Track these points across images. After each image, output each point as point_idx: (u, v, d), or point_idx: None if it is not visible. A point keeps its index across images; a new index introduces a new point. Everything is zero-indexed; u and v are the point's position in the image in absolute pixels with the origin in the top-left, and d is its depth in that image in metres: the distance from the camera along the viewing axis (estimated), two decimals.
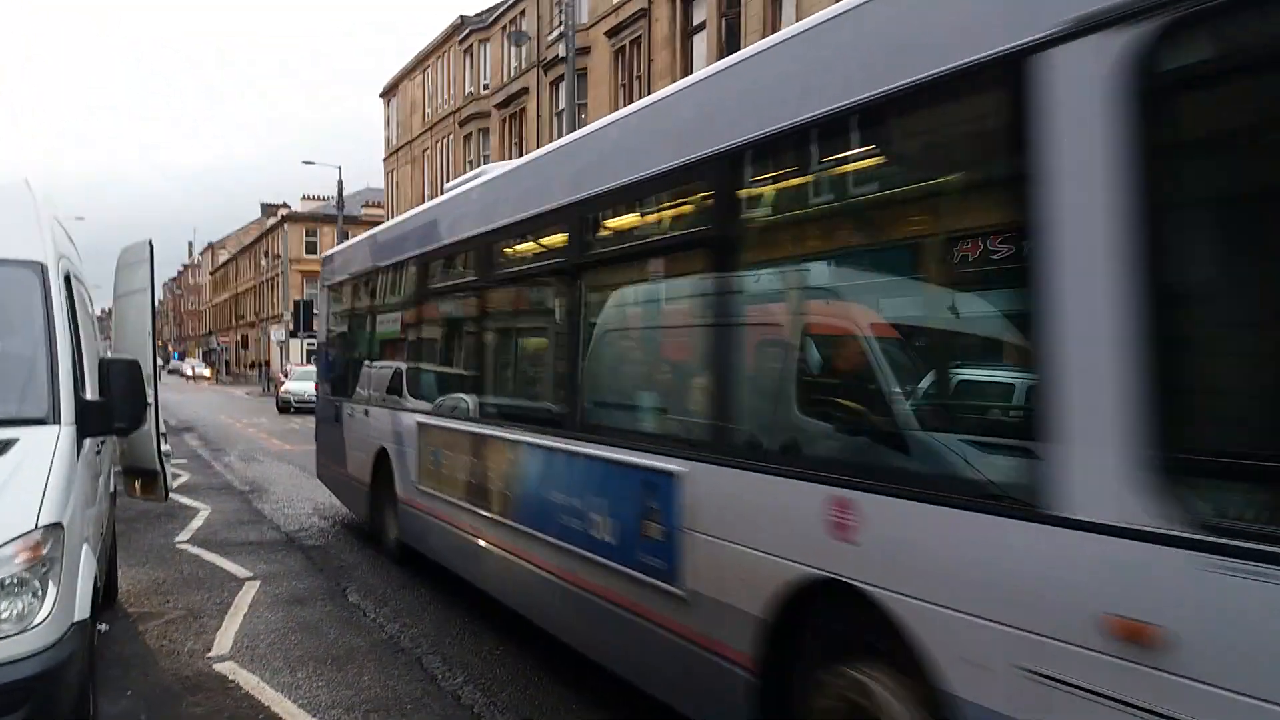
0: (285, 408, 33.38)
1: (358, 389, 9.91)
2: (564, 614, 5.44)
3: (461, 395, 7.29)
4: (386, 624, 6.81)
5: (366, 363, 9.85)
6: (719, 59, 5.67)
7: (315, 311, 14.34)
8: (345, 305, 10.89)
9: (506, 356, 7.02)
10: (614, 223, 5.47)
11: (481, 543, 6.54)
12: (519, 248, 6.60)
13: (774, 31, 15.27)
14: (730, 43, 22.10)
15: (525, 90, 34.16)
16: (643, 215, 5.13)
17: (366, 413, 9.31)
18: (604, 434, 5.13)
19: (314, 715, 5.09)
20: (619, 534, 4.75)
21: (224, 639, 6.42)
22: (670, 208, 4.85)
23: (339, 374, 10.99)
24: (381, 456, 8.71)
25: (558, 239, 5.89)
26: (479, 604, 6.90)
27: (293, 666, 5.86)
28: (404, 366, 8.63)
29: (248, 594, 7.60)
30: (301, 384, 34.27)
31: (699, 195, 4.48)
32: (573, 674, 5.59)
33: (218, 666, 5.87)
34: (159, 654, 6.12)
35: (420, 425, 7.72)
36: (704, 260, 4.36)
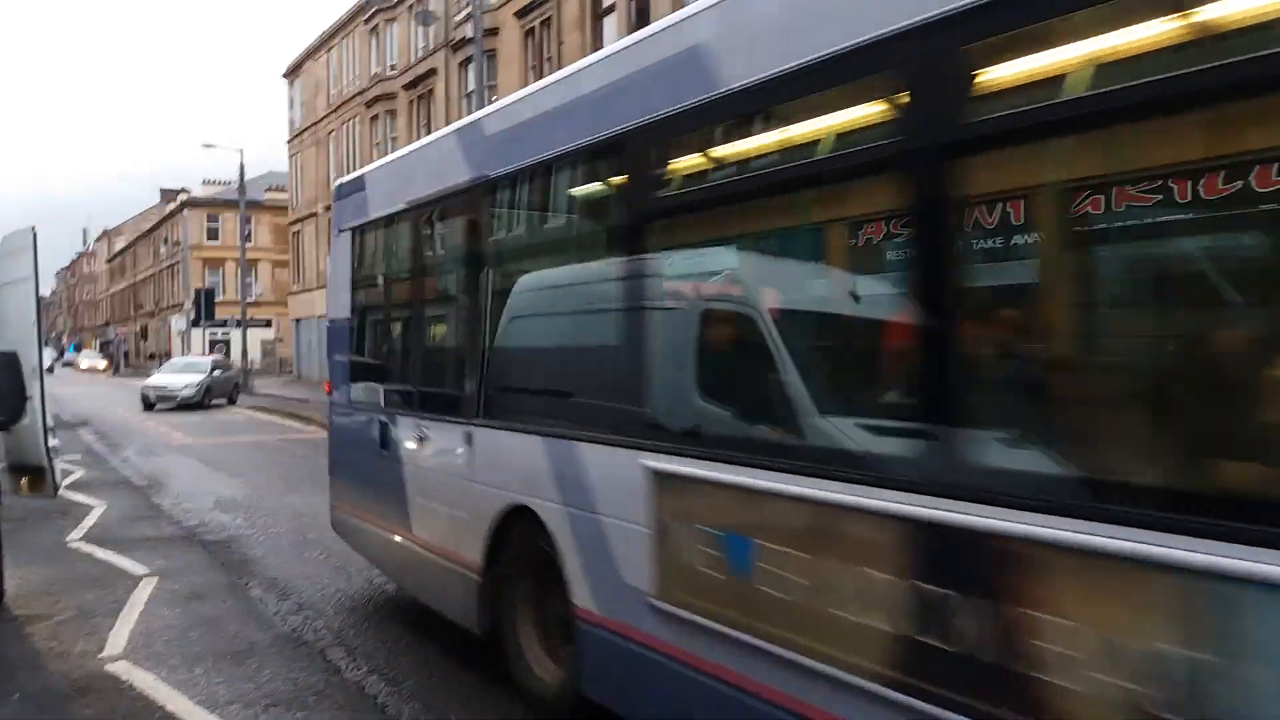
0: (148, 404, 29.09)
1: (440, 396, 5.91)
2: None
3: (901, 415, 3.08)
4: (289, 617, 6.67)
5: (465, 350, 5.63)
6: None
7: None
8: (400, 256, 6.86)
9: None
10: None
11: None
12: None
13: None
14: (641, 24, 22.08)
15: (433, 71, 33.60)
16: None
17: (469, 439, 5.31)
18: None
19: (211, 712, 4.96)
20: None
21: (118, 638, 6.21)
22: None
23: (384, 369, 7.06)
24: (515, 523, 4.90)
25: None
26: (385, 596, 6.82)
27: (190, 663, 5.70)
28: (598, 356, 4.49)
29: (144, 591, 7.35)
30: (169, 378, 30.32)
31: None
32: (478, 661, 5.57)
33: (110, 667, 5.68)
34: (48, 656, 5.89)
35: (673, 481, 3.76)
36: None
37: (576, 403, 4.65)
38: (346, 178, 7.63)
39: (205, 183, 65.55)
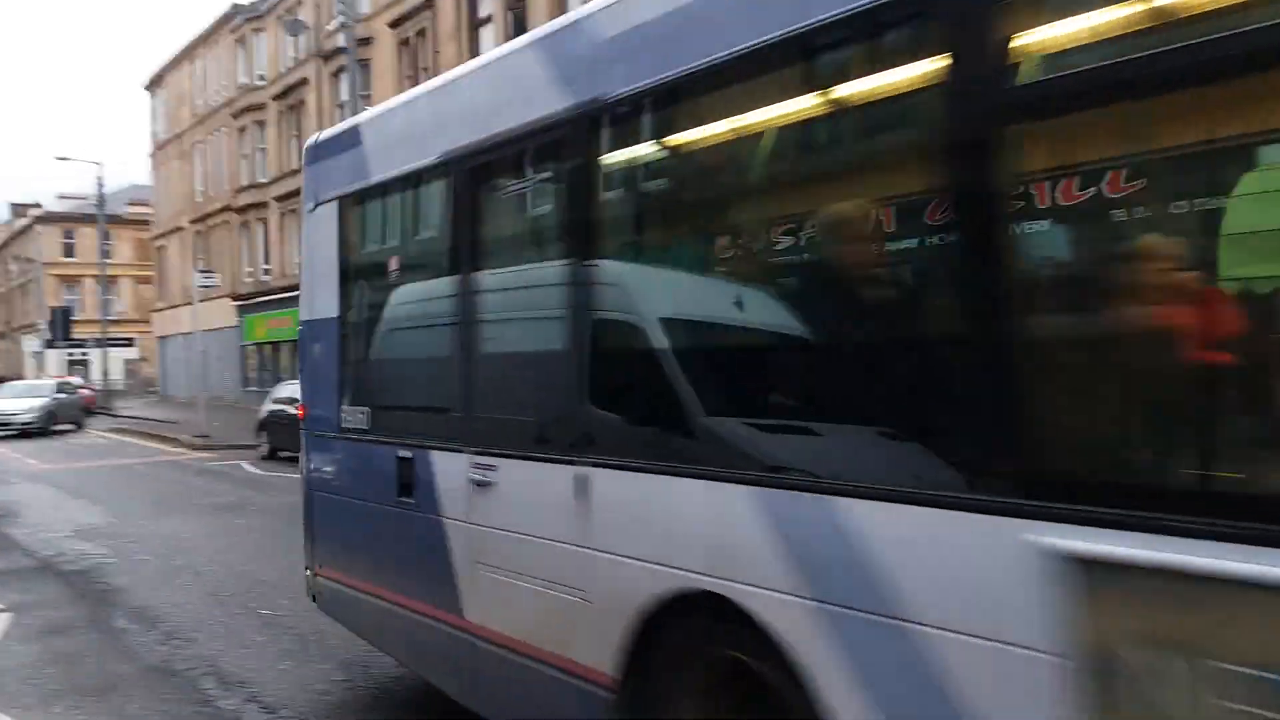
0: None
1: (516, 423, 3.89)
2: None
3: None
4: (157, 647, 6.32)
5: (556, 355, 3.68)
6: None
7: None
8: (429, 228, 4.96)
9: None
10: None
11: None
12: None
13: None
14: (519, 34, 21.97)
15: (304, 81, 32.73)
16: None
17: (583, 486, 3.45)
18: None
19: None
20: None
21: None
22: None
23: (403, 384, 5.00)
24: (681, 617, 3.10)
25: None
26: (261, 620, 6.55)
27: (47, 702, 5.33)
28: (899, 347, 2.68)
29: None
30: (6, 403, 27.27)
31: None
32: (363, 681, 5.40)
33: None
34: None
35: (1139, 579, 1.96)
36: None
37: (836, 427, 2.78)
38: (326, 133, 5.72)
39: (60, 197, 62.17)
